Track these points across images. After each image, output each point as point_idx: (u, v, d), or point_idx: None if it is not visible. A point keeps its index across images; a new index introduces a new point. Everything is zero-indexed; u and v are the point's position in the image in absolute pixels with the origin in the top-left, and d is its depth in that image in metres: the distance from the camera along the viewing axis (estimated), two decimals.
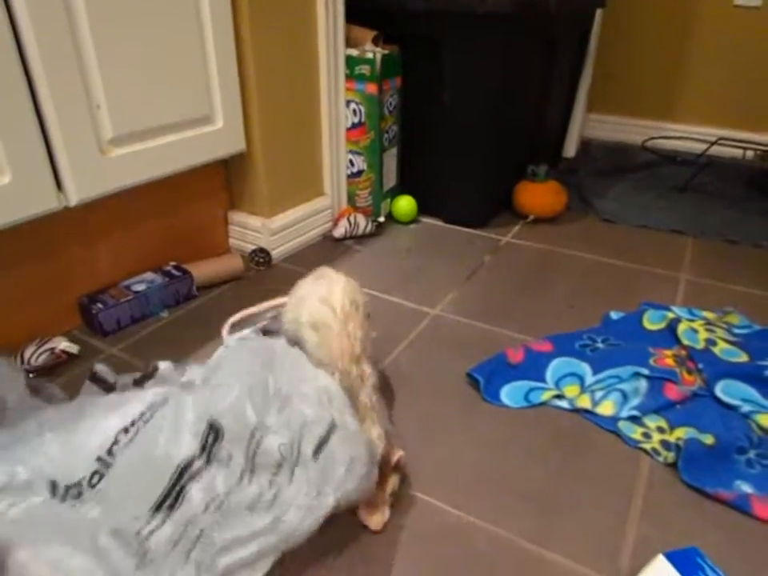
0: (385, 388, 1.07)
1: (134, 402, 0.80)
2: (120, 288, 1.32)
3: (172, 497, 0.70)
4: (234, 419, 0.75)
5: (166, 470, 0.71)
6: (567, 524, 0.83)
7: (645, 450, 0.96)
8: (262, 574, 0.68)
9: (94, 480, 0.78)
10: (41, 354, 1.14)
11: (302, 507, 0.71)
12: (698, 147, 2.58)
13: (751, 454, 0.94)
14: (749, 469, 0.92)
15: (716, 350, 1.16)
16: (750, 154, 2.54)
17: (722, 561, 0.74)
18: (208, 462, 0.72)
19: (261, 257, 1.52)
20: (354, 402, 0.85)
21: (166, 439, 0.73)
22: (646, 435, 0.98)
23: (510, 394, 1.08)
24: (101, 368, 0.98)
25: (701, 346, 1.16)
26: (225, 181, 1.56)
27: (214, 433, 0.73)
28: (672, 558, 0.71)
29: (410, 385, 1.11)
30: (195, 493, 0.70)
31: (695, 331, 1.20)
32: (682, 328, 1.20)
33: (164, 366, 0.97)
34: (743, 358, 1.13)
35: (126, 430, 0.79)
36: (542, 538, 0.81)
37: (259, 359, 0.87)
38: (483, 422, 1.02)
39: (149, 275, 1.37)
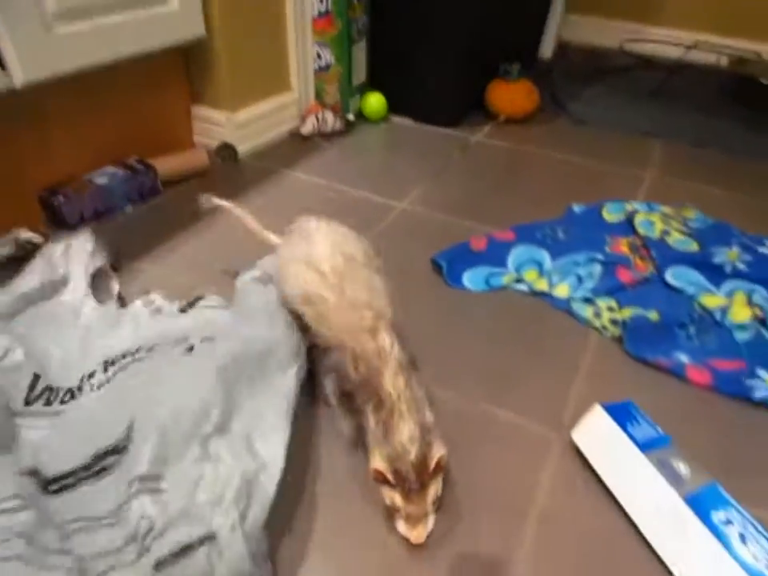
0: None
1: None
2: (82, 181, 1.29)
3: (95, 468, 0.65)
4: (137, 440, 0.64)
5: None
6: (519, 389, 0.90)
7: (594, 327, 1.02)
8: None
9: (66, 398, 0.79)
10: (4, 245, 1.13)
11: None
12: (675, 52, 2.54)
13: (691, 330, 1.01)
14: (687, 342, 0.99)
15: (669, 239, 1.20)
16: (724, 60, 2.51)
17: (653, 413, 0.81)
18: (111, 468, 0.64)
19: (226, 152, 1.49)
20: (373, 396, 0.68)
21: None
22: (597, 314, 1.04)
23: (472, 278, 1.12)
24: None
25: (656, 235, 1.21)
26: (185, 71, 1.50)
27: (128, 438, 0.66)
28: (608, 408, 0.78)
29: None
30: (79, 494, 0.64)
31: (651, 222, 1.24)
32: (639, 219, 1.25)
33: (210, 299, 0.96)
34: (694, 247, 1.18)
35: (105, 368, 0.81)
36: (497, 401, 0.87)
37: (230, 370, 0.72)
38: (445, 303, 1.07)
39: (111, 169, 1.34)
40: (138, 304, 0.97)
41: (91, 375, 0.82)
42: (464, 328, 1.02)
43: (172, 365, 0.78)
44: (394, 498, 0.64)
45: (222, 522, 0.57)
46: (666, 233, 1.22)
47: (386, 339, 0.72)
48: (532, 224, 1.27)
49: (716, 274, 1.12)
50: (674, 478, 0.71)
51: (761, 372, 0.92)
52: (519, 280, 1.12)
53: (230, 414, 0.67)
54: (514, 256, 1.17)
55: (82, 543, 0.59)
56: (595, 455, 0.77)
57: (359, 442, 0.73)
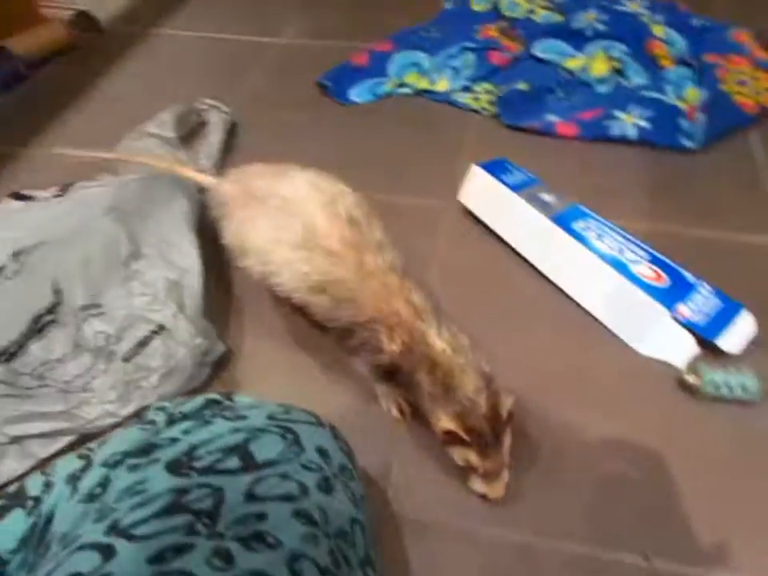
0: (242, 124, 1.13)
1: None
2: None
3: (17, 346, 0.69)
4: (66, 287, 0.70)
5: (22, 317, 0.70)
6: (412, 176, 1.00)
7: (474, 110, 1.12)
8: (56, 450, 0.64)
9: None
10: None
11: (100, 408, 0.66)
12: None
13: (559, 93, 1.12)
14: (556, 104, 1.10)
15: (535, 16, 1.26)
16: None
17: (527, 166, 0.93)
18: (53, 322, 0.70)
19: (83, 21, 1.41)
20: (423, 359, 0.61)
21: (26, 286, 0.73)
22: (476, 98, 1.13)
23: (358, 91, 1.17)
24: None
25: (522, 14, 1.27)
26: None
27: (57, 295, 0.71)
28: (483, 166, 0.89)
29: (262, 103, 1.17)
30: (34, 349, 0.69)
31: (517, 4, 1.29)
32: (504, 3, 1.29)
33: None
34: (558, 18, 1.25)
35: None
36: (393, 191, 0.97)
37: (122, 203, 0.77)
38: (335, 120, 1.13)
39: None
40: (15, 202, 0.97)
41: (2, 268, 0.85)
42: (357, 136, 1.09)
43: (69, 232, 0.83)
44: (469, 456, 0.59)
45: (164, 313, 0.67)
46: (531, 11, 1.28)
47: (418, 297, 0.63)
48: (407, 29, 1.30)
49: (578, 40, 1.20)
50: (542, 206, 0.84)
51: (617, 113, 1.04)
52: (402, 84, 1.18)
53: (137, 243, 0.74)
54: (394, 63, 1.21)
55: (56, 376, 0.68)
56: (480, 208, 0.89)
57: (410, 414, 0.70)
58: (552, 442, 0.68)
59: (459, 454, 0.60)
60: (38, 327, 0.71)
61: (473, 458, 0.59)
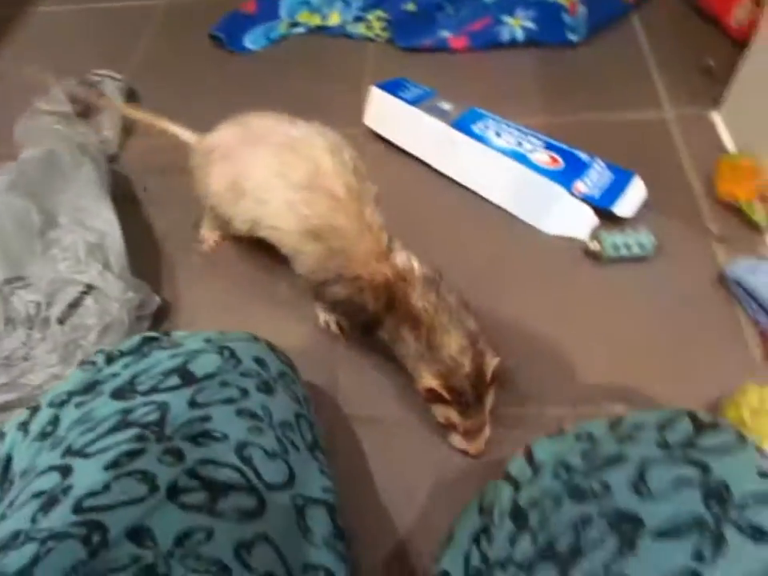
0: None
1: None
2: None
3: None
4: None
5: None
6: (318, 111, 0.98)
7: (370, 38, 1.13)
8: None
9: None
10: None
11: (44, 373, 0.67)
12: None
13: (449, 9, 1.14)
14: (447, 20, 1.12)
15: None
16: None
17: (425, 83, 0.96)
18: None
19: None
20: (406, 318, 0.61)
21: None
22: (369, 27, 1.14)
23: (252, 38, 1.17)
24: None
25: None
26: None
27: None
28: (381, 86, 0.92)
29: (157, 65, 1.16)
30: None
31: None
32: None
33: None
34: None
35: None
36: None
37: (26, 179, 0.76)
38: (237, 71, 1.13)
39: None
40: None
41: None
42: (259, 83, 1.09)
43: None
44: (449, 414, 0.60)
45: (90, 274, 0.69)
46: None
47: (406, 259, 0.63)
48: None
49: None
50: (441, 115, 0.88)
51: (505, 18, 1.08)
52: (295, 24, 1.18)
53: (50, 213, 0.75)
54: (284, 4, 1.21)
55: None
56: (384, 127, 0.93)
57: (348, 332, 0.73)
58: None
59: (440, 412, 0.61)
60: None
61: (453, 416, 0.59)
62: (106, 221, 0.74)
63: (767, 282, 0.71)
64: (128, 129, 1.02)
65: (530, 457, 0.48)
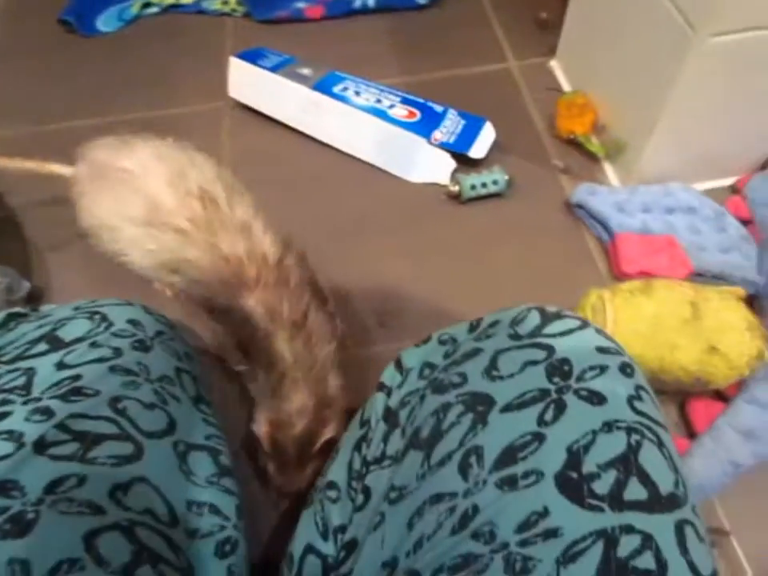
0: None
1: None
2: None
3: None
4: None
5: None
6: (181, 89, 1.01)
7: (226, 13, 1.13)
8: None
9: None
10: None
11: None
12: None
13: None
14: None
15: None
16: None
17: (279, 49, 0.98)
18: None
19: None
20: (262, 356, 0.58)
21: None
22: (224, 2, 1.14)
23: (104, 20, 1.13)
24: None
25: None
26: None
27: None
28: (241, 56, 0.93)
29: (3, 57, 1.09)
30: None
31: None
32: None
33: None
34: None
35: None
36: (166, 105, 0.98)
37: None
38: (91, 55, 1.09)
39: None
40: None
41: None
42: (116, 66, 1.06)
43: None
44: (268, 464, 0.59)
45: None
46: None
47: (275, 297, 0.58)
48: None
49: None
50: (302, 80, 0.91)
51: None
52: (148, 4, 1.15)
53: None
54: None
55: None
56: (248, 96, 0.94)
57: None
58: (345, 274, 0.78)
59: (262, 456, 0.59)
60: None
61: (270, 467, 0.58)
62: None
63: (605, 202, 0.80)
64: None
65: (399, 364, 0.52)
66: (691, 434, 0.67)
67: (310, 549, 0.47)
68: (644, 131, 0.77)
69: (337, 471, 0.50)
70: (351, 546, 0.45)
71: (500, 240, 0.81)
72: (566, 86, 0.96)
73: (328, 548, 0.46)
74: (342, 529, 0.46)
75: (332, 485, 0.50)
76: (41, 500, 0.38)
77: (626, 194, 0.80)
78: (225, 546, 0.47)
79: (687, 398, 0.69)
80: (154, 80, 1.03)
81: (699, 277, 0.74)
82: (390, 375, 0.52)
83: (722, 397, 0.68)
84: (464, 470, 0.40)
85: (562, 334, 0.44)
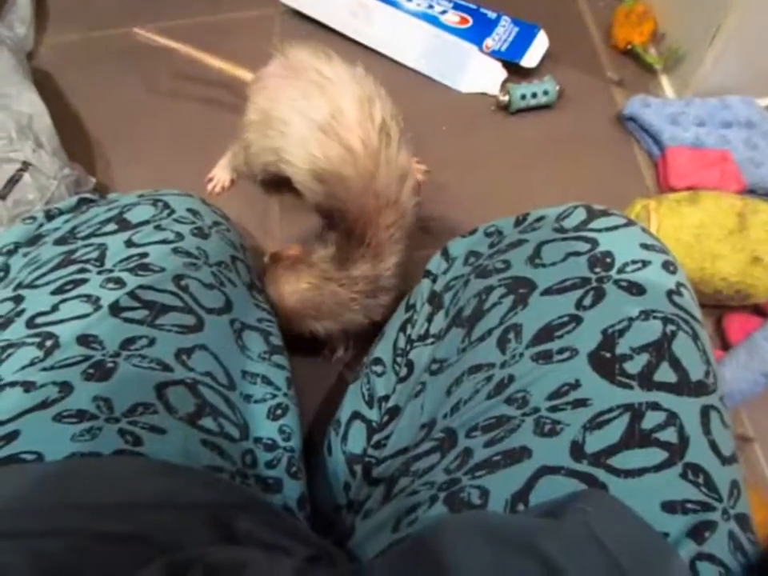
0: None
1: None
2: None
3: None
4: None
5: None
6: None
7: None
8: None
9: None
10: None
11: None
12: None
13: None
14: None
15: None
16: None
17: None
18: None
19: None
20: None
21: None
22: None
23: None
24: None
25: None
26: None
27: None
28: None
29: None
30: None
31: None
32: None
33: None
34: None
35: None
36: (217, 11, 0.98)
37: None
38: None
39: None
40: None
41: None
42: None
43: None
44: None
45: (24, 152, 0.70)
46: None
47: (392, 245, 0.61)
48: None
49: None
50: None
51: None
52: None
53: None
54: None
55: None
56: (301, 3, 0.93)
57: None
58: None
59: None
60: None
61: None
62: (31, 104, 0.75)
63: (658, 114, 0.78)
64: (38, 26, 0.99)
65: (445, 253, 0.55)
66: (725, 347, 0.68)
67: (356, 415, 0.52)
68: (706, 39, 0.74)
69: (383, 349, 0.54)
70: (393, 412, 0.49)
71: (547, 151, 0.80)
72: None
73: (372, 414, 0.51)
74: (386, 398, 0.51)
75: (378, 361, 0.54)
76: (117, 353, 0.43)
77: (681, 107, 0.78)
78: (276, 410, 0.52)
79: (724, 312, 0.70)
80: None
81: (752, 193, 0.73)
82: (435, 263, 0.54)
83: (760, 312, 0.69)
84: (502, 344, 0.43)
85: (608, 229, 0.45)
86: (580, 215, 0.47)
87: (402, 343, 0.52)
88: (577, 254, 0.44)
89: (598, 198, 0.75)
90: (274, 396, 0.52)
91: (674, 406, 0.36)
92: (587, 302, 0.41)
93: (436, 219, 0.76)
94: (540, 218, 0.51)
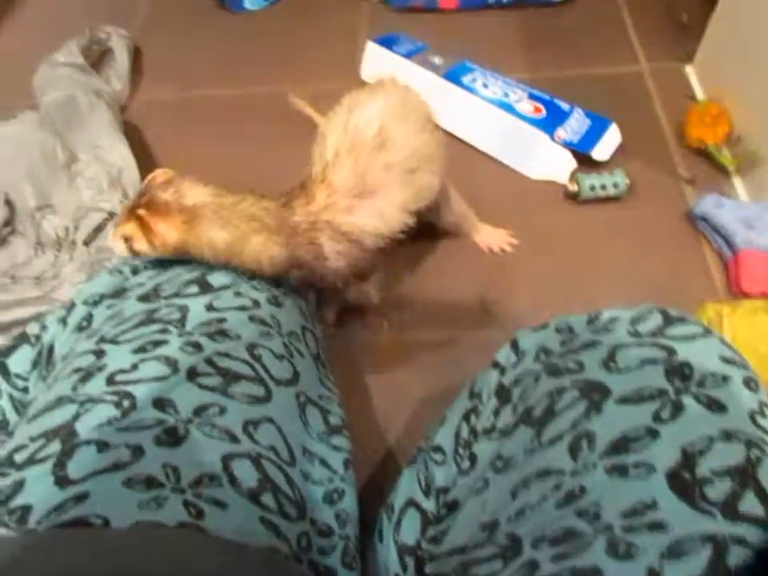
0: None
1: None
2: None
3: None
4: (17, 197, 0.79)
5: None
6: (317, 66, 1.06)
7: None
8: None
9: None
10: None
11: (73, 289, 0.73)
12: None
13: None
14: None
15: None
16: None
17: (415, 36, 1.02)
18: (12, 232, 0.78)
19: None
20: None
21: None
22: None
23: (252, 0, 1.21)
24: None
25: None
26: None
27: (10, 207, 0.79)
28: (377, 40, 0.97)
29: (158, 23, 1.21)
30: None
31: None
32: None
33: None
34: None
35: None
36: (302, 80, 1.04)
37: (50, 119, 0.84)
38: (236, 30, 1.17)
39: None
40: None
41: None
42: (258, 41, 1.14)
43: (9, 153, 0.87)
44: None
45: (111, 203, 0.76)
46: None
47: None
48: None
49: None
50: (433, 68, 0.94)
51: None
52: None
53: (71, 149, 0.83)
54: None
55: (26, 275, 0.75)
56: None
57: None
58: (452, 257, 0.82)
59: None
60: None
61: None
62: (122, 157, 0.81)
63: (732, 216, 0.77)
64: (132, 83, 1.07)
65: (515, 345, 0.54)
66: None
67: (411, 502, 0.51)
68: None
69: (443, 437, 0.53)
70: (452, 506, 0.48)
71: (615, 244, 0.80)
72: (699, 94, 0.93)
73: (429, 504, 0.50)
74: (445, 490, 0.49)
75: (438, 449, 0.53)
76: (190, 420, 0.44)
77: (757, 210, 0.77)
78: (333, 495, 0.51)
79: None
80: (291, 57, 1.09)
81: None
82: (505, 355, 0.54)
83: None
84: (574, 451, 0.41)
85: (685, 338, 0.44)
86: (656, 320, 0.46)
87: (465, 433, 0.52)
88: (653, 361, 0.43)
89: (666, 296, 0.74)
90: (331, 480, 0.52)
91: (762, 542, 0.34)
92: (665, 414, 0.40)
93: (496, 301, 0.77)
94: (613, 319, 0.50)
